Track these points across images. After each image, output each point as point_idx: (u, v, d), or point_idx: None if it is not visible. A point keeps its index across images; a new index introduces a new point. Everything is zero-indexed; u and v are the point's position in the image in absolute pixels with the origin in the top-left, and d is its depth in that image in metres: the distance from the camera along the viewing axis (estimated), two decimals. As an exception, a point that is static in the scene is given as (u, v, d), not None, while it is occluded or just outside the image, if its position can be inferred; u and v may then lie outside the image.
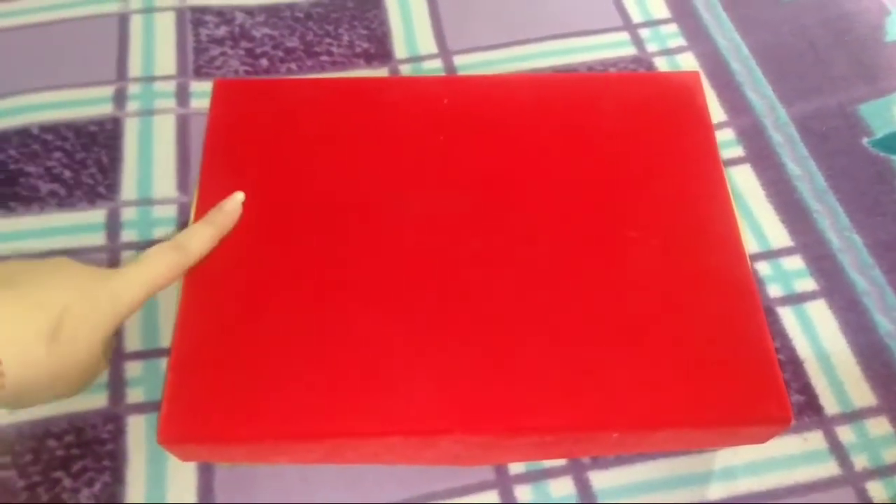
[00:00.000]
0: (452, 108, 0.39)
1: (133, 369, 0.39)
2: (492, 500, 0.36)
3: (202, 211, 0.35)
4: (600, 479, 0.37)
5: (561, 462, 0.37)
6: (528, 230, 0.35)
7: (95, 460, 0.37)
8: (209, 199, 0.35)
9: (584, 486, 0.37)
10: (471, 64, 0.51)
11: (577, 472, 0.37)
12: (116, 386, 0.39)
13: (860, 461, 0.38)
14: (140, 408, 0.38)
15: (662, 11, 0.54)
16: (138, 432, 0.37)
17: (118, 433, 0.37)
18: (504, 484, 0.37)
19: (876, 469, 0.38)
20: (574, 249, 0.35)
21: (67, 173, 0.45)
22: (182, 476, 0.37)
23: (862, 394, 0.40)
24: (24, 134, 0.46)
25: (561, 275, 0.34)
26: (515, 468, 0.37)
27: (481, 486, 0.37)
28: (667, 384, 0.32)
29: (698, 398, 0.32)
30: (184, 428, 0.30)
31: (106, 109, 0.47)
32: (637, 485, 0.37)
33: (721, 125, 0.48)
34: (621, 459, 0.37)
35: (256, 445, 0.31)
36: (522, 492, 0.37)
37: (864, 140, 0.48)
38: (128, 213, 0.44)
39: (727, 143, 0.48)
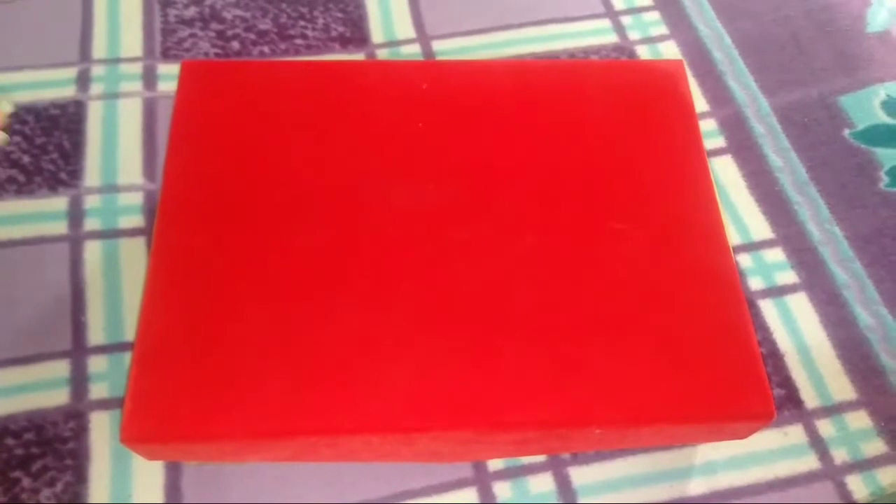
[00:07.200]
0: (432, 93, 0.37)
1: (96, 364, 0.37)
2: (470, 497, 0.36)
3: (168, 199, 0.33)
4: (580, 475, 0.36)
5: (540, 458, 0.37)
6: (506, 221, 0.34)
7: (57, 459, 0.35)
8: (175, 187, 0.34)
9: (563, 482, 0.36)
10: (449, 49, 0.49)
11: (557, 468, 0.36)
12: (79, 381, 0.37)
13: (840, 455, 0.38)
14: (104, 404, 0.37)
15: (644, -1, 0.53)
16: (102, 430, 0.36)
17: (80, 430, 0.36)
18: (483, 481, 0.36)
19: (855, 463, 0.37)
20: (555, 241, 0.34)
21: (27, 159, 0.43)
22: (148, 474, 0.35)
23: (842, 387, 0.39)
24: (-20, 117, 0.44)
25: (541, 267, 0.33)
26: (494, 464, 0.36)
27: (460, 483, 0.36)
28: (649, 379, 0.31)
29: (681, 394, 0.31)
30: (148, 426, 0.29)
31: (68, 92, 0.45)
32: (617, 480, 0.36)
33: (703, 115, 0.48)
34: (601, 455, 0.37)
35: (225, 444, 0.30)
36: (501, 488, 0.36)
37: (846, 132, 0.47)
38: (91, 201, 0.42)
39: (709, 133, 0.47)
